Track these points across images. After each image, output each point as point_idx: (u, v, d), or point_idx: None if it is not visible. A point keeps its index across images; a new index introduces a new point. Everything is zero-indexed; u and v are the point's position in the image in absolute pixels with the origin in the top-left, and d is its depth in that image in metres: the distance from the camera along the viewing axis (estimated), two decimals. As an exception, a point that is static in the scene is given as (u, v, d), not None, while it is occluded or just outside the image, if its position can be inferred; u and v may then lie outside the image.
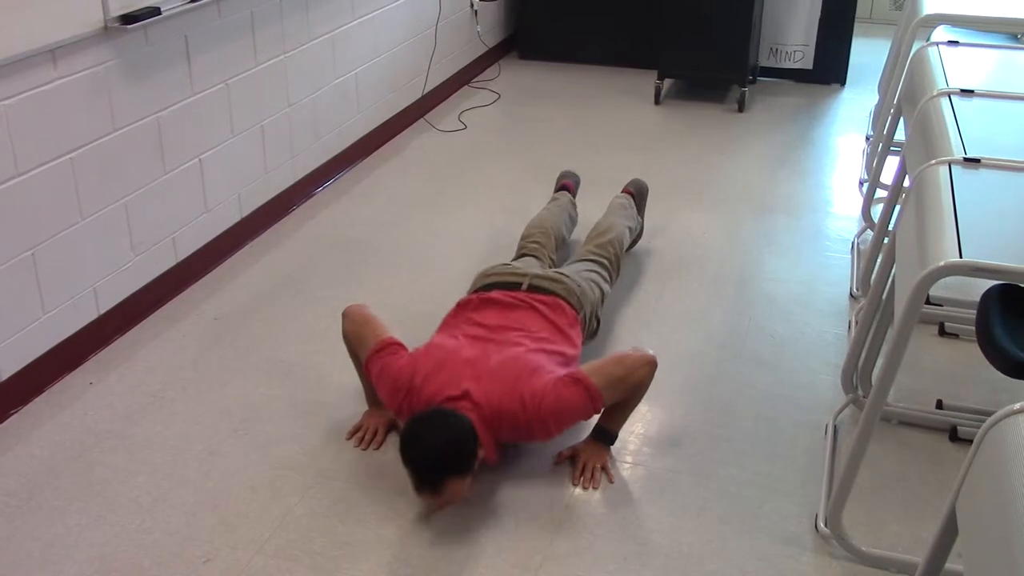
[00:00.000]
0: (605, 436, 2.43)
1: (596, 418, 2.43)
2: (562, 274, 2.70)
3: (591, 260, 2.93)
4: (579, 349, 2.56)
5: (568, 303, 2.60)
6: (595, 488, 2.35)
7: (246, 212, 3.53)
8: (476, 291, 2.65)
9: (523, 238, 3.09)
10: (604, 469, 2.39)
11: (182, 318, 3.07)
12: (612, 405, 2.38)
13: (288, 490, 2.33)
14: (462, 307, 2.60)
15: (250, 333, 2.99)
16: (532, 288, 2.62)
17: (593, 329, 2.76)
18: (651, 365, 2.35)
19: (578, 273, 2.78)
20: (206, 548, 2.15)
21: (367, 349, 2.42)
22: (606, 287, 2.87)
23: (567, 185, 3.47)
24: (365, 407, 2.57)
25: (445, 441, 2.14)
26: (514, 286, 2.62)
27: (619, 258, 3.01)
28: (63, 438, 2.50)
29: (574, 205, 3.39)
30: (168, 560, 2.11)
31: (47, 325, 2.69)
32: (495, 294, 2.59)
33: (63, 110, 2.62)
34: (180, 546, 2.15)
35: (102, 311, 2.88)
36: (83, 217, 2.75)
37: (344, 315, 2.51)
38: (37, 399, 2.66)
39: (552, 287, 2.62)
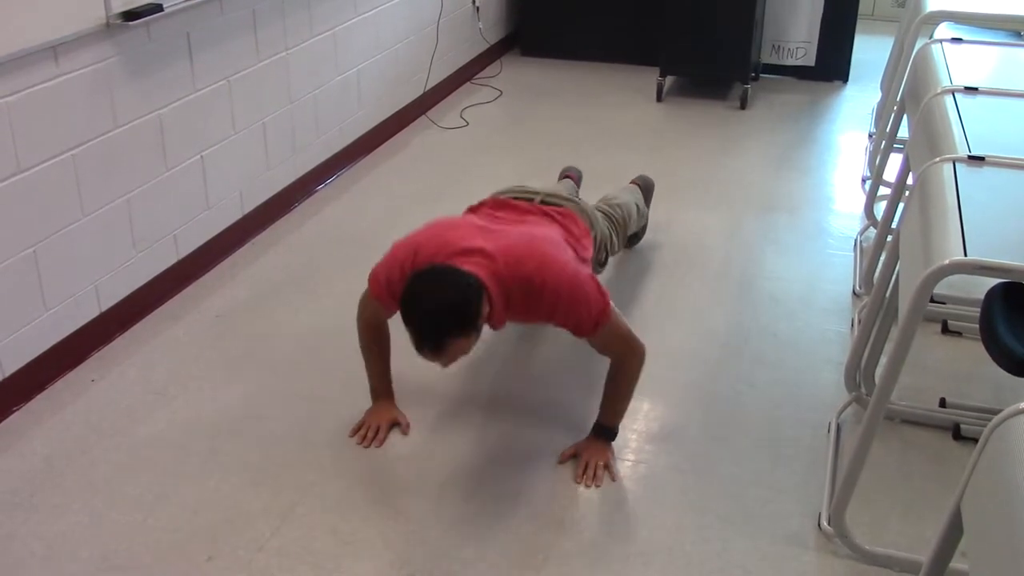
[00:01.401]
0: (605, 432, 2.43)
1: (596, 416, 2.43)
2: (575, 197, 2.69)
3: (602, 212, 2.93)
4: (589, 259, 2.54)
5: (581, 217, 2.60)
6: (598, 486, 2.34)
7: (248, 209, 3.52)
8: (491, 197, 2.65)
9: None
10: (606, 467, 2.39)
11: (184, 315, 3.06)
12: (606, 397, 2.37)
13: (290, 488, 2.32)
14: (474, 209, 2.58)
15: (252, 330, 2.99)
16: (545, 203, 2.61)
17: (601, 260, 2.75)
18: (641, 353, 2.35)
19: (589, 206, 2.78)
20: (208, 546, 2.15)
21: (367, 298, 2.38)
22: (614, 237, 2.86)
23: (570, 176, 3.47)
24: (368, 405, 2.56)
25: (445, 297, 2.05)
26: (528, 200, 2.62)
27: (626, 224, 3.00)
28: (65, 435, 2.50)
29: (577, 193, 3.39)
30: (170, 557, 2.11)
31: (49, 322, 2.68)
32: (509, 200, 2.58)
33: (65, 107, 2.62)
34: (182, 544, 2.15)
35: (104, 308, 2.88)
36: (85, 214, 2.75)
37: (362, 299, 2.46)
38: (39, 396, 2.66)
39: (565, 202, 2.62)
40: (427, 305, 2.05)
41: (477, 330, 2.12)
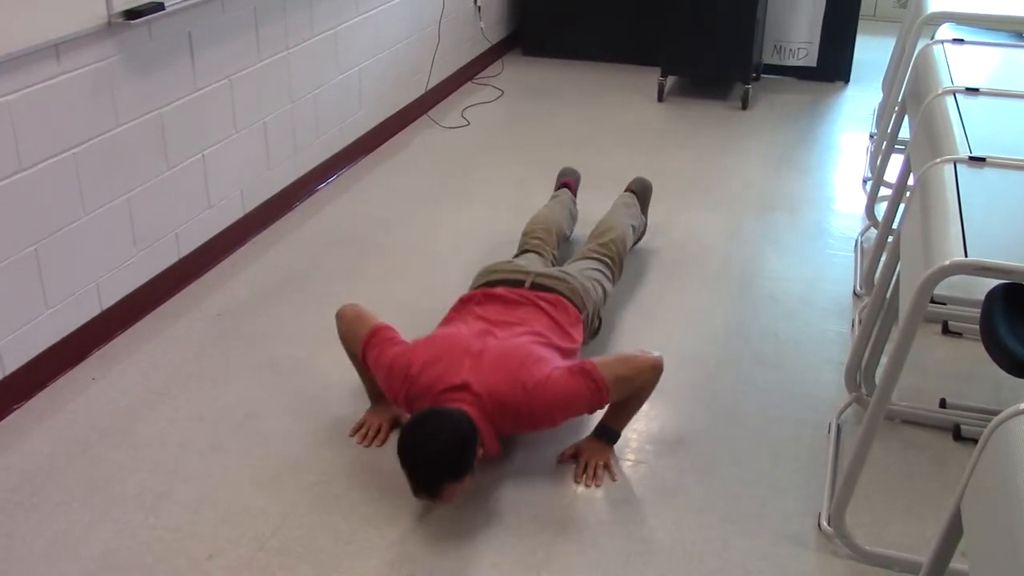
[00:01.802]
0: (608, 435, 2.43)
1: (599, 416, 2.43)
2: (565, 272, 2.70)
3: (594, 258, 2.92)
4: (578, 350, 2.55)
5: (571, 302, 2.60)
6: (598, 486, 2.35)
7: (249, 208, 3.52)
8: (480, 287, 2.65)
9: (525, 235, 3.08)
10: (607, 467, 2.39)
11: (185, 314, 3.07)
12: (615, 404, 2.38)
13: (291, 487, 2.33)
14: (465, 302, 2.60)
15: (253, 329, 2.99)
16: (535, 286, 2.61)
17: (595, 328, 2.76)
18: (657, 369, 2.35)
19: (581, 272, 2.78)
20: (209, 545, 2.15)
21: (360, 340, 2.42)
22: (608, 286, 2.86)
23: (568, 183, 3.47)
24: (368, 404, 2.57)
25: (441, 447, 2.12)
26: (518, 283, 2.62)
27: (622, 257, 3.00)
28: (66, 434, 2.50)
29: (574, 203, 3.39)
30: (171, 556, 2.11)
31: (50, 320, 2.69)
32: (499, 290, 2.58)
33: (66, 105, 2.62)
34: (183, 543, 2.15)
35: (105, 307, 2.88)
36: (86, 212, 2.75)
37: (338, 316, 2.51)
38: (40, 394, 2.66)
39: (555, 285, 2.62)
40: (424, 456, 2.12)
41: (472, 472, 2.19)
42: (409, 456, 2.13)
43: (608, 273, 2.89)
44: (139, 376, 2.75)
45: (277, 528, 2.20)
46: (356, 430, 2.51)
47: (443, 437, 2.13)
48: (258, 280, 3.28)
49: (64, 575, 2.06)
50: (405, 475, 2.16)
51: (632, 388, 2.33)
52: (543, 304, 2.54)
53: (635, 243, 3.35)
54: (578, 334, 2.56)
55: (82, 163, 2.71)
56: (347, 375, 2.68)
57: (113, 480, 2.34)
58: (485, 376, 2.26)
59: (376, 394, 2.53)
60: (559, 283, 2.63)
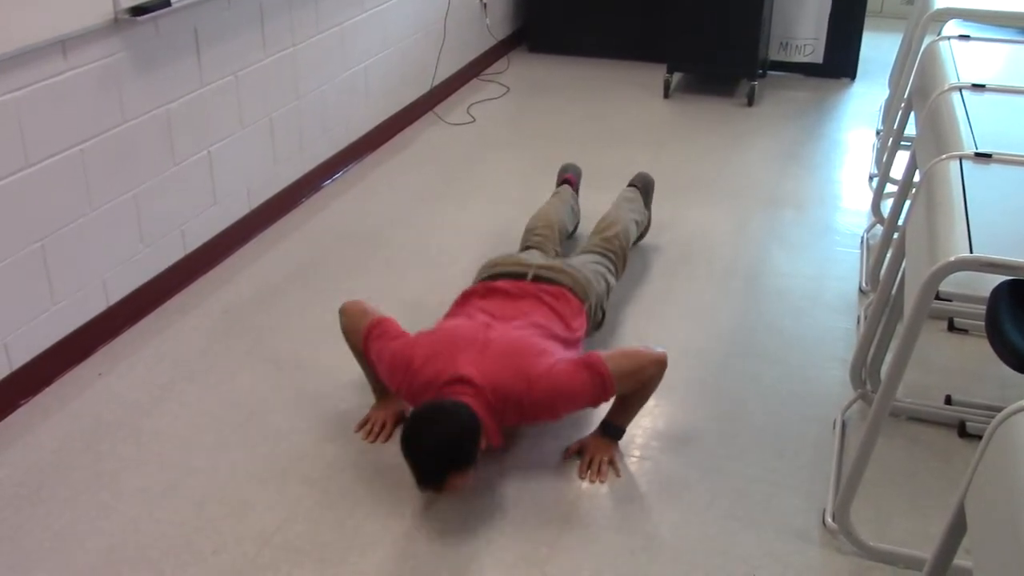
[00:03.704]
0: (612, 431, 2.43)
1: (604, 411, 2.43)
2: (568, 264, 2.70)
3: (597, 252, 2.92)
4: (581, 340, 2.55)
5: (573, 293, 2.60)
6: (602, 482, 2.35)
7: (255, 204, 3.53)
8: (482, 280, 2.65)
9: (527, 231, 3.09)
10: (611, 463, 2.39)
11: (191, 310, 3.07)
12: (619, 400, 2.38)
13: (296, 482, 2.33)
14: (467, 296, 2.60)
15: (259, 325, 2.99)
16: (537, 278, 2.61)
17: (598, 320, 2.76)
18: (661, 364, 2.34)
19: (584, 265, 2.78)
20: (214, 539, 2.15)
21: (362, 334, 2.42)
22: (612, 279, 2.87)
23: (569, 179, 3.46)
24: (373, 399, 2.57)
25: (444, 439, 2.12)
26: (520, 276, 2.62)
27: (625, 251, 3.00)
28: (72, 429, 2.51)
29: (576, 199, 3.39)
30: (176, 551, 2.12)
31: (56, 316, 2.69)
32: (500, 283, 2.59)
33: (73, 102, 2.63)
34: (188, 537, 2.16)
35: (111, 302, 2.89)
36: (92, 208, 2.76)
37: (341, 312, 2.52)
38: (46, 390, 2.67)
39: (558, 277, 2.62)
40: (427, 448, 2.13)
41: (476, 464, 2.20)
42: (412, 448, 2.14)
43: (611, 267, 2.89)
44: (145, 372, 2.76)
45: (282, 523, 2.20)
46: (361, 426, 2.52)
47: (446, 429, 2.13)
48: (264, 276, 3.28)
49: (70, 569, 2.07)
50: (409, 468, 2.17)
51: (636, 383, 2.33)
52: (545, 296, 2.55)
53: (639, 239, 3.34)
54: (581, 325, 2.56)
55: (88, 159, 2.71)
56: (352, 371, 2.69)
57: (119, 475, 2.35)
58: (488, 368, 2.26)
59: (381, 389, 2.54)
60: (561, 275, 2.63)
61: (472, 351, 2.30)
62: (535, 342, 2.34)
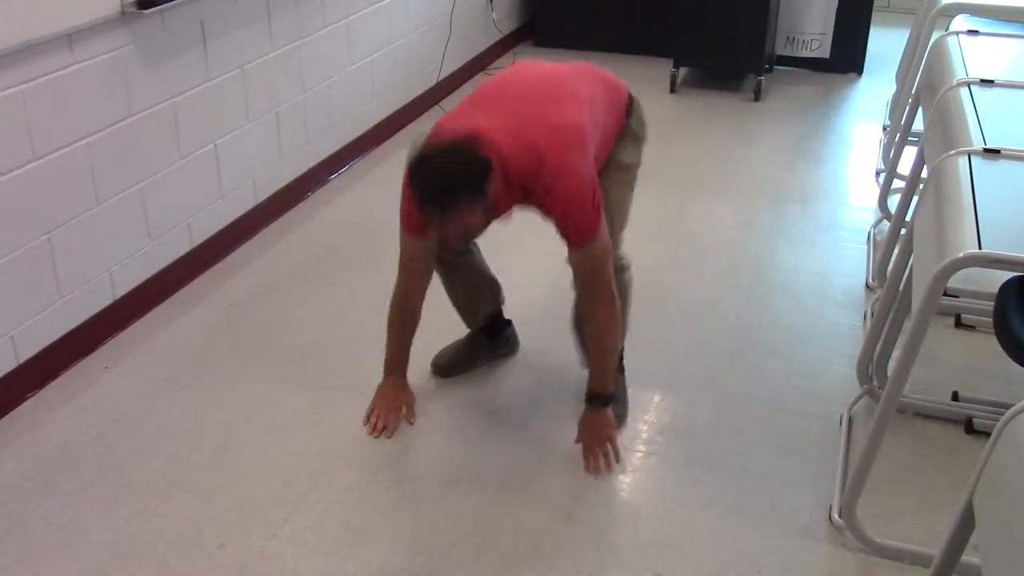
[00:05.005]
0: (599, 400, 2.36)
1: (586, 392, 2.38)
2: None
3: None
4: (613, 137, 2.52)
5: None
6: (608, 471, 2.34)
7: (261, 198, 3.53)
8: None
9: None
10: (610, 442, 2.36)
11: (197, 303, 3.08)
12: (590, 360, 2.33)
13: (302, 476, 2.33)
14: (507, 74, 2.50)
15: (265, 319, 2.99)
16: None
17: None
18: (613, 306, 2.25)
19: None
20: (220, 533, 2.16)
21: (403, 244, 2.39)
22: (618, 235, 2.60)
23: None
24: (375, 401, 2.55)
25: (454, 158, 2.03)
26: None
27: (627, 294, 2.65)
28: (79, 422, 2.51)
29: None
30: (183, 544, 2.12)
31: (63, 309, 2.70)
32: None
33: (80, 95, 2.63)
34: (195, 531, 2.16)
35: (118, 296, 2.89)
36: (99, 202, 2.76)
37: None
38: (53, 383, 2.67)
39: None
40: (437, 162, 2.03)
41: (484, 203, 2.08)
42: (423, 165, 2.05)
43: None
44: (151, 365, 2.76)
45: (288, 516, 2.20)
46: (367, 419, 2.51)
47: (457, 150, 2.04)
48: (270, 270, 3.29)
49: (76, 562, 2.07)
50: (415, 192, 2.08)
51: (584, 284, 2.21)
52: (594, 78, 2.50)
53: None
54: (615, 125, 2.52)
55: (95, 153, 2.72)
56: (359, 365, 2.69)
57: (125, 468, 2.35)
58: (506, 123, 2.13)
59: (390, 367, 2.50)
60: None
61: (507, 116, 2.17)
62: (579, 117, 2.23)
